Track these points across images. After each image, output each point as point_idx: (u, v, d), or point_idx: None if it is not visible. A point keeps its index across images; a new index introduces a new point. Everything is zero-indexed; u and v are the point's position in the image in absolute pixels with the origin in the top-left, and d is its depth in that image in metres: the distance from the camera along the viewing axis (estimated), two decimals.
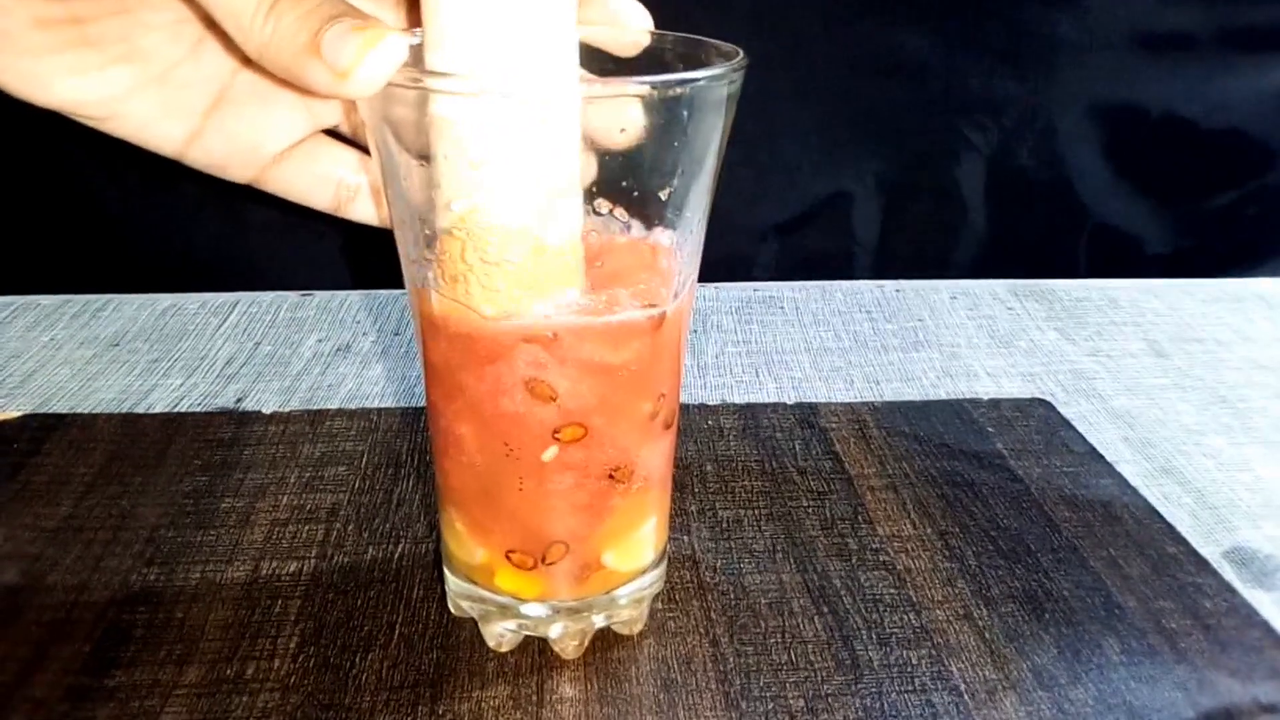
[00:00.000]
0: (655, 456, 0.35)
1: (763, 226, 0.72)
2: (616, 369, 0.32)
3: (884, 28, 0.67)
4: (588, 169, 0.30)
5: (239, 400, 0.51)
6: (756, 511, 0.43)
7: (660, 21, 0.33)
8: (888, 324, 0.60)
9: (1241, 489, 0.46)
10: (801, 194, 0.71)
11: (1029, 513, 0.43)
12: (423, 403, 0.48)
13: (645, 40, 0.32)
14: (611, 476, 0.33)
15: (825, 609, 0.38)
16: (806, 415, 0.50)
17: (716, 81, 0.30)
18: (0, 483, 0.43)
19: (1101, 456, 0.47)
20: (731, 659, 0.35)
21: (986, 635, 0.37)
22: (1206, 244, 0.75)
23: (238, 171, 0.37)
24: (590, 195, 0.30)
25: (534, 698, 0.34)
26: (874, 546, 0.41)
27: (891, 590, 0.39)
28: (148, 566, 0.39)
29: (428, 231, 0.31)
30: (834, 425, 0.49)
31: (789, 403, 0.51)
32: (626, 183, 0.30)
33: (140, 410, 0.50)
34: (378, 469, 0.45)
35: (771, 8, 0.66)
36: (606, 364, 0.31)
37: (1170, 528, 0.42)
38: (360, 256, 0.68)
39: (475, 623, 0.36)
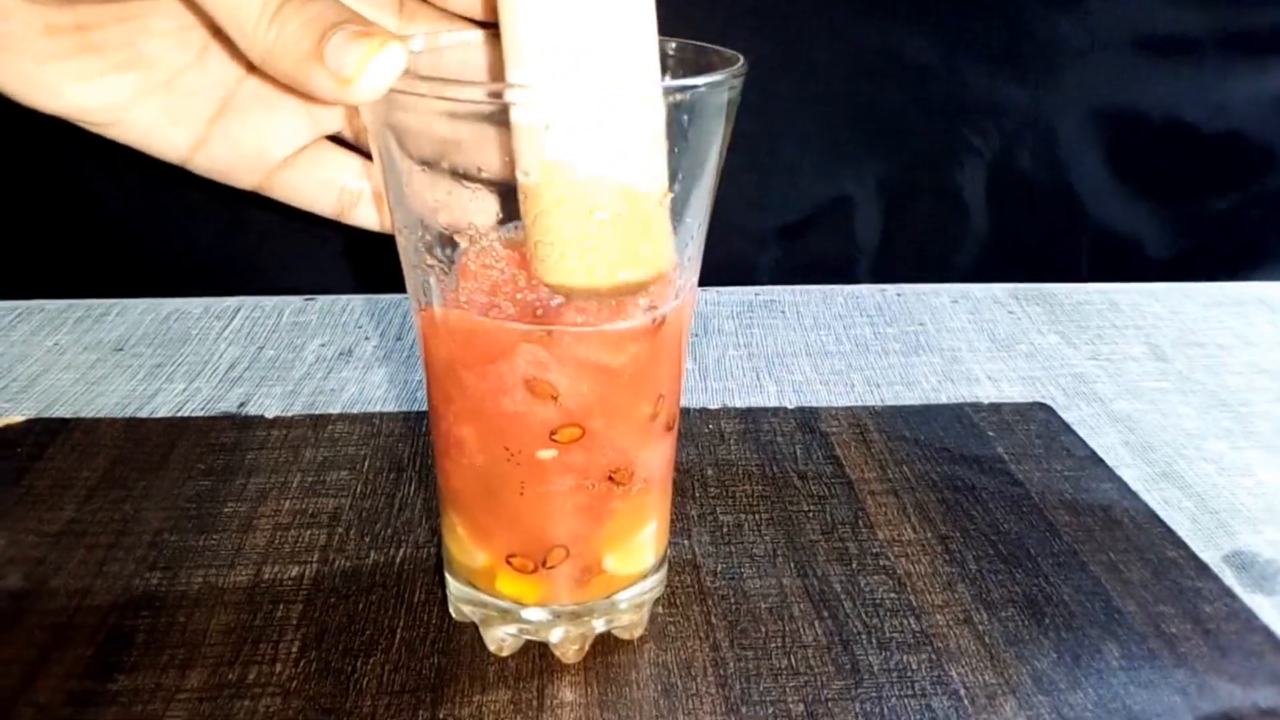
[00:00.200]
0: (655, 459, 0.35)
1: (764, 230, 0.72)
2: (617, 370, 0.32)
3: (885, 31, 0.67)
4: None
5: (242, 405, 0.51)
6: (757, 516, 0.43)
7: (662, 26, 0.33)
8: (889, 328, 0.61)
9: (1242, 493, 0.46)
10: (803, 198, 0.71)
11: (1029, 517, 0.43)
12: (424, 407, 0.48)
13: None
14: (611, 478, 0.33)
15: (825, 613, 0.38)
16: (807, 419, 0.50)
17: (717, 88, 0.30)
18: (4, 487, 0.44)
19: (1102, 461, 0.47)
20: (732, 663, 0.35)
21: (986, 640, 0.37)
22: (1207, 247, 0.75)
23: (242, 177, 0.37)
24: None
25: (534, 702, 0.34)
26: (874, 551, 0.41)
27: (892, 595, 0.39)
28: (150, 571, 0.39)
29: (429, 236, 0.31)
30: (835, 429, 0.49)
31: (790, 407, 0.51)
32: None
33: (144, 415, 0.50)
34: (379, 473, 0.45)
35: (773, 11, 0.66)
36: (607, 365, 0.32)
37: (1170, 532, 0.42)
38: (363, 261, 0.69)
39: (476, 627, 0.36)
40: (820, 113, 0.69)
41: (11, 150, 0.65)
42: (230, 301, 0.62)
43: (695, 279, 0.34)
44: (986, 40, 0.68)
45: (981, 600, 0.39)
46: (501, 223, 0.31)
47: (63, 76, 0.33)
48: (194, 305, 0.62)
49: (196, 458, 0.46)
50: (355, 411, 0.50)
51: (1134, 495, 0.45)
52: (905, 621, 0.37)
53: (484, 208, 0.31)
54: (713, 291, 0.64)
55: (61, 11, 0.32)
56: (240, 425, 0.49)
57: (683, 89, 0.29)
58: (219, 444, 0.47)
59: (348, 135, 0.38)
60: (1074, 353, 0.58)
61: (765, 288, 0.65)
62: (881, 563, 0.40)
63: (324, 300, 0.62)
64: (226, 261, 0.70)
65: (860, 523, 0.43)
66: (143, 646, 0.36)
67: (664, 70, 0.33)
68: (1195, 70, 0.69)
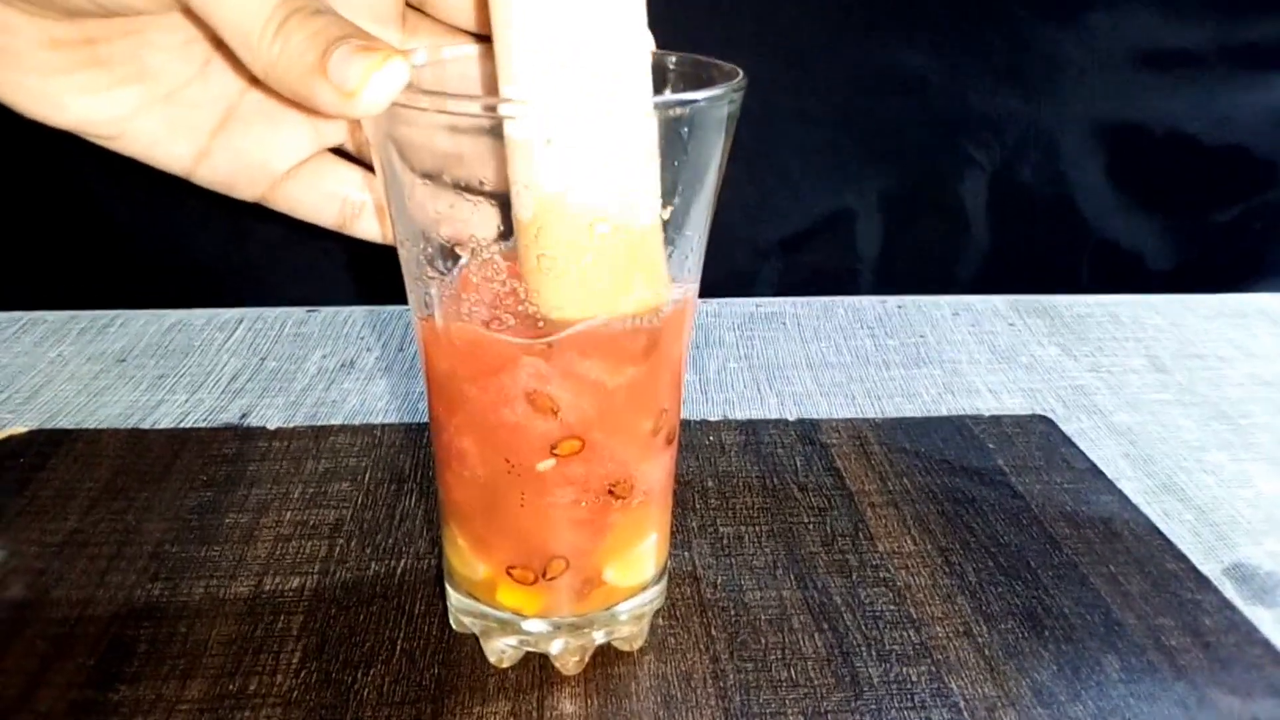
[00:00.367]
0: (656, 472, 0.35)
1: (766, 243, 0.72)
2: (616, 387, 0.32)
3: (887, 45, 0.68)
4: None
5: (244, 416, 0.51)
6: (757, 528, 0.43)
7: (662, 40, 0.33)
8: (889, 340, 0.61)
9: (1242, 505, 0.46)
10: (804, 210, 0.71)
11: (1029, 529, 0.43)
12: (425, 419, 0.48)
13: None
14: (611, 492, 0.33)
15: (825, 625, 0.38)
16: (808, 431, 0.50)
17: (717, 102, 0.30)
18: (7, 497, 0.44)
19: (1102, 473, 0.47)
20: (731, 675, 0.36)
21: (986, 652, 0.37)
22: (1208, 259, 0.75)
23: (245, 189, 0.37)
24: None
25: (535, 714, 0.34)
26: (874, 563, 0.41)
27: (891, 607, 0.39)
28: (152, 581, 0.39)
29: (431, 248, 0.32)
30: (835, 441, 0.49)
31: (790, 419, 0.51)
32: None
33: (146, 425, 0.50)
34: (380, 485, 0.45)
35: (775, 26, 0.66)
36: (606, 381, 0.32)
37: (1170, 544, 0.42)
38: (364, 273, 0.69)
39: (476, 638, 0.36)
40: (822, 126, 0.69)
41: (15, 162, 0.66)
42: (232, 313, 0.62)
43: (696, 291, 0.34)
44: (988, 54, 0.68)
45: (981, 612, 0.39)
46: (503, 235, 0.31)
47: (67, 90, 0.33)
48: (196, 317, 0.62)
49: (198, 469, 0.46)
50: (357, 423, 0.50)
51: (1134, 507, 0.45)
52: (905, 634, 0.37)
53: (486, 220, 0.31)
54: (714, 303, 0.64)
55: (66, 26, 0.32)
56: (242, 436, 0.49)
57: (682, 103, 0.29)
58: (221, 455, 0.47)
59: (350, 148, 0.38)
60: (1074, 365, 0.58)
61: (766, 300, 0.65)
62: (881, 575, 0.40)
63: (326, 312, 0.63)
64: (229, 273, 0.70)
65: (860, 535, 0.43)
66: (144, 657, 0.36)
67: (664, 84, 0.33)
68: (1196, 83, 0.70)
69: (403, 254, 0.33)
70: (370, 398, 0.53)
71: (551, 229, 0.30)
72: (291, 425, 0.50)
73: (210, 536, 0.42)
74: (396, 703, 0.34)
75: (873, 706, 0.34)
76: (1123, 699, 0.35)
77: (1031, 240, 0.75)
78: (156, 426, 0.50)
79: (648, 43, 0.33)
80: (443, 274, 0.32)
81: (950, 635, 0.37)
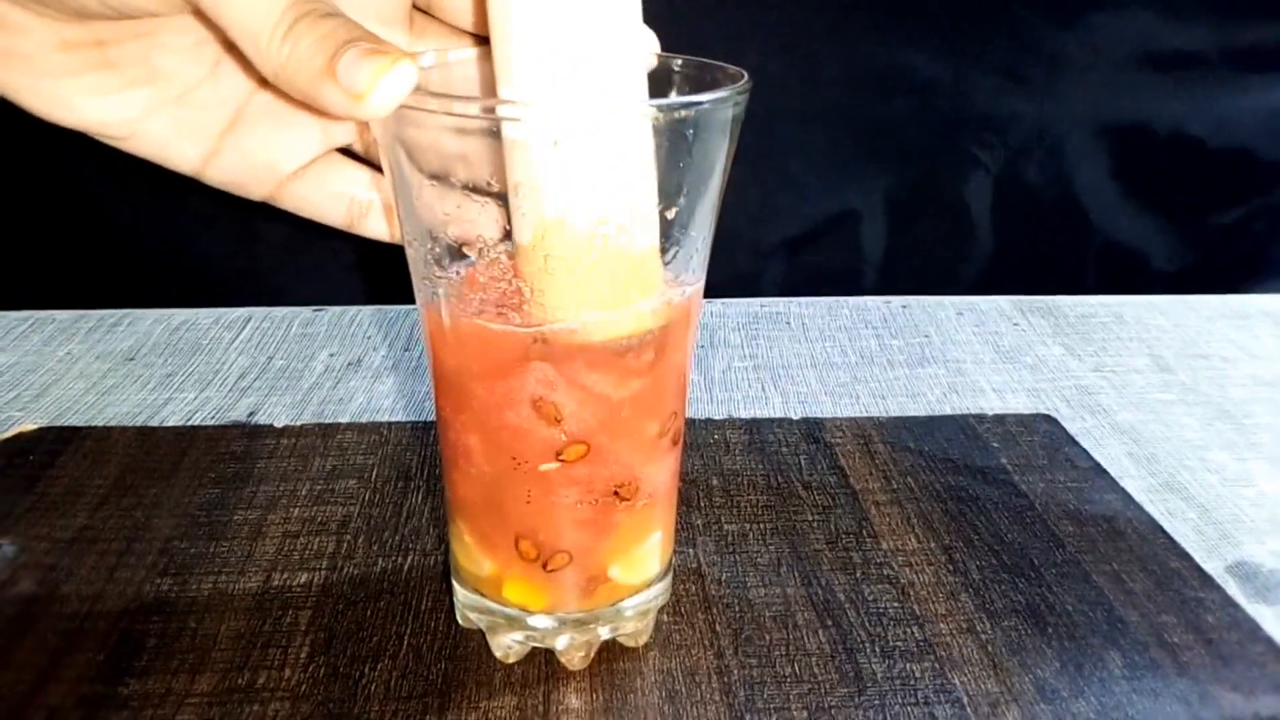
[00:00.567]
0: (661, 473, 0.35)
1: (770, 243, 0.73)
2: (622, 395, 0.32)
3: (891, 47, 0.68)
4: None
5: (251, 414, 0.52)
6: (762, 525, 0.43)
7: (666, 41, 0.33)
8: (894, 340, 0.61)
9: (1245, 504, 0.46)
10: (809, 212, 0.72)
11: (1032, 527, 0.43)
12: (432, 417, 0.48)
13: (652, 63, 0.33)
14: (617, 493, 0.34)
15: (829, 622, 0.38)
16: (812, 430, 0.50)
17: (721, 104, 0.30)
18: (17, 494, 0.44)
19: (1105, 471, 0.48)
20: (736, 671, 0.36)
21: (989, 648, 0.37)
22: (1212, 260, 0.75)
23: (254, 189, 0.37)
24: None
25: (540, 709, 0.34)
26: (878, 560, 0.41)
27: (895, 604, 0.39)
28: (161, 577, 0.40)
29: (438, 248, 0.32)
30: (839, 440, 0.50)
31: (795, 418, 0.52)
32: None
33: (154, 424, 0.50)
34: (387, 482, 0.46)
35: (780, 28, 0.66)
36: (613, 390, 0.32)
37: (1173, 542, 0.43)
38: (372, 272, 0.69)
39: (483, 634, 0.37)
40: (826, 127, 0.69)
41: (25, 162, 0.66)
42: (240, 312, 0.63)
43: (701, 292, 0.34)
44: (992, 55, 0.68)
45: (985, 609, 0.39)
46: (509, 235, 0.31)
47: (78, 91, 0.34)
48: (204, 316, 0.62)
49: (207, 466, 0.46)
50: (364, 421, 0.51)
51: (1137, 506, 0.45)
52: (909, 630, 0.38)
53: (493, 220, 0.31)
54: (719, 303, 0.65)
55: (76, 27, 0.33)
56: (250, 434, 0.49)
57: (687, 106, 0.30)
58: (229, 452, 0.47)
59: (358, 148, 0.39)
60: (1078, 364, 0.58)
61: (771, 300, 0.65)
62: (885, 572, 0.41)
63: (333, 311, 0.63)
64: (237, 273, 0.70)
65: (864, 532, 0.43)
66: (153, 651, 0.36)
67: (670, 87, 0.34)
68: (1200, 85, 0.70)
69: (410, 253, 0.33)
70: (377, 396, 0.54)
71: (555, 230, 0.30)
72: (299, 423, 0.50)
73: (219, 533, 0.42)
74: (403, 697, 0.34)
75: (876, 702, 0.34)
76: (1125, 695, 0.35)
77: (1036, 241, 0.75)
78: (165, 424, 0.50)
79: (652, 45, 0.33)
80: (450, 273, 0.32)
81: (954, 632, 0.38)
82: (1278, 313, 0.65)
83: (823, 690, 0.35)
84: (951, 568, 0.41)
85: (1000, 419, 0.52)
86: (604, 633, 0.36)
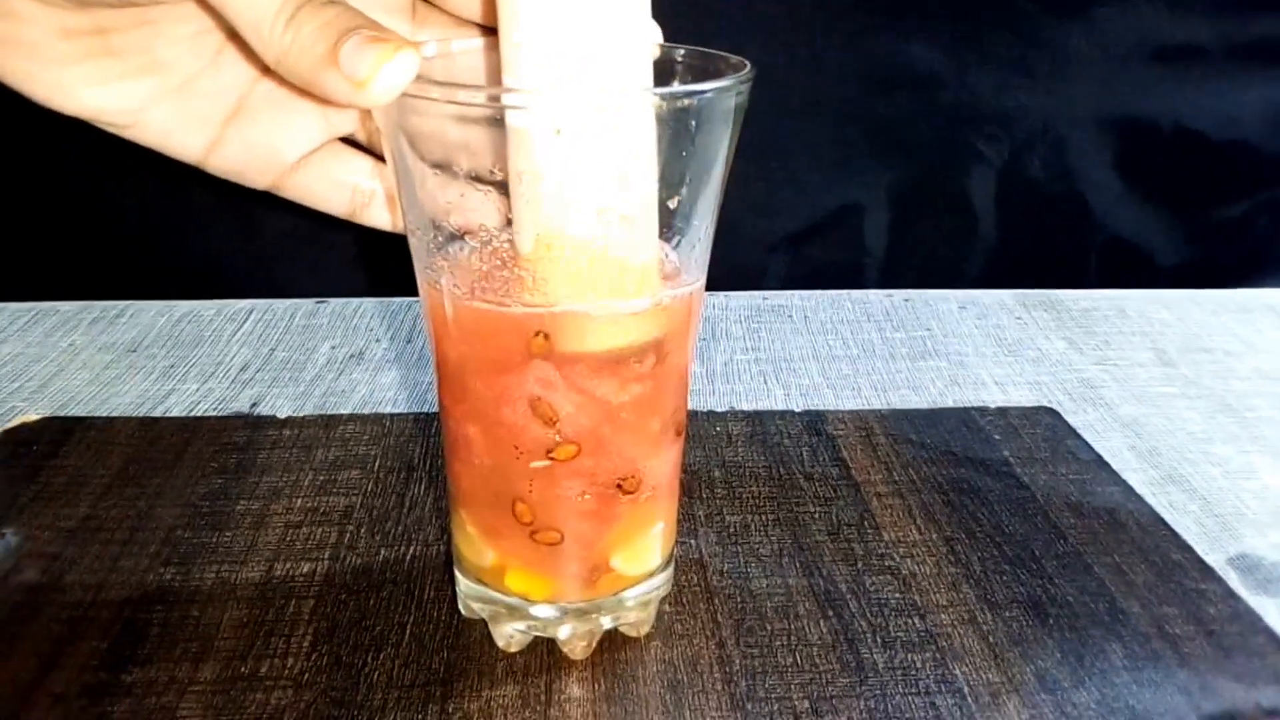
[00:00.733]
0: (664, 466, 0.35)
1: (773, 236, 0.72)
2: (623, 400, 0.32)
3: (895, 40, 0.68)
4: None
5: (254, 405, 0.52)
6: (764, 517, 0.43)
7: (670, 34, 0.33)
8: (896, 333, 0.61)
9: (1247, 497, 0.46)
10: (812, 205, 0.72)
11: (1034, 519, 0.43)
12: (434, 409, 0.48)
13: (654, 53, 0.33)
14: (620, 486, 0.34)
15: (831, 613, 0.38)
16: (814, 422, 0.50)
17: (724, 93, 0.30)
18: (20, 484, 0.44)
19: (1107, 464, 0.48)
20: (738, 661, 0.36)
21: (990, 639, 0.37)
22: (1215, 255, 0.75)
23: (256, 178, 0.37)
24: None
25: (542, 697, 0.34)
26: (880, 552, 0.41)
27: (897, 595, 0.39)
28: (164, 566, 0.40)
29: (441, 237, 0.32)
30: (841, 432, 0.50)
31: (797, 410, 0.52)
32: None
33: (157, 414, 0.50)
34: (390, 473, 0.46)
35: (785, 20, 0.66)
36: (613, 395, 0.32)
37: (1175, 534, 0.43)
38: (374, 264, 0.69)
39: (485, 624, 0.37)
40: (830, 120, 0.69)
41: (27, 153, 0.66)
42: (243, 304, 0.63)
43: (703, 284, 0.34)
44: (996, 49, 0.68)
45: (986, 601, 0.39)
46: (512, 223, 0.31)
47: (80, 79, 0.34)
48: (207, 307, 0.62)
49: (209, 456, 0.46)
50: (366, 412, 0.51)
51: (1139, 498, 0.45)
52: (910, 621, 0.38)
53: (495, 208, 0.31)
54: (721, 296, 0.65)
55: (79, 16, 0.33)
56: (252, 425, 0.49)
57: (690, 94, 0.30)
58: (231, 443, 0.48)
59: (360, 137, 0.39)
60: (1081, 358, 0.58)
61: (774, 293, 0.65)
62: (887, 563, 0.41)
63: (335, 303, 0.63)
64: (240, 265, 0.70)
65: (866, 524, 0.43)
66: (156, 640, 0.36)
67: (672, 77, 0.33)
68: (1204, 79, 0.70)
69: (413, 242, 0.33)
70: (379, 388, 0.54)
71: (558, 218, 0.30)
72: (301, 414, 0.50)
73: (221, 523, 0.42)
74: (406, 686, 0.34)
75: (877, 691, 0.35)
76: (1126, 686, 0.35)
77: (1039, 235, 0.75)
78: (168, 415, 0.50)
79: (655, 36, 0.33)
80: (452, 262, 0.32)
81: (955, 622, 0.38)
82: None
83: (824, 680, 0.35)
84: (953, 559, 0.41)
85: (1002, 412, 0.52)
86: (606, 622, 0.36)
